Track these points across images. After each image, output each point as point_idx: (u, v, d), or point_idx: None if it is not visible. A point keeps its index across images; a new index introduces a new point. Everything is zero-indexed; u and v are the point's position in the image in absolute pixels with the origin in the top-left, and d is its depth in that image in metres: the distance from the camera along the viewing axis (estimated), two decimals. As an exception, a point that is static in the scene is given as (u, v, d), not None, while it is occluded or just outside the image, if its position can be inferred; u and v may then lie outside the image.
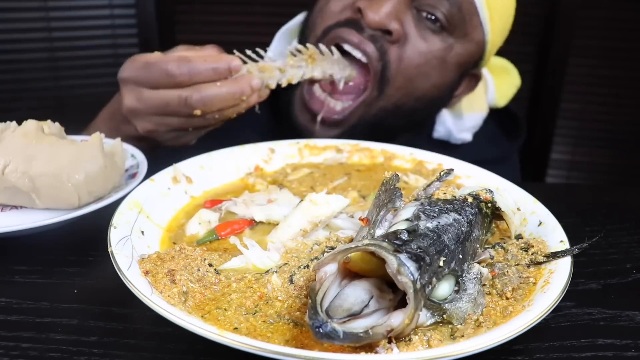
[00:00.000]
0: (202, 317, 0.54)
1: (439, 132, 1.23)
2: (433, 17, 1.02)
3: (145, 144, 0.99)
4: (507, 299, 0.57)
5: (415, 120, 1.13)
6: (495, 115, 1.29)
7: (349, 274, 0.52)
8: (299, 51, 0.98)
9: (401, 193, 0.62)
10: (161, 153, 0.96)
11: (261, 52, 0.96)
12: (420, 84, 1.05)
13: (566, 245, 0.63)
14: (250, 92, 0.89)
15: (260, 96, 0.92)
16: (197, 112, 0.88)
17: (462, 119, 1.22)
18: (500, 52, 1.22)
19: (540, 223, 0.69)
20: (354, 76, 1.03)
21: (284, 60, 0.97)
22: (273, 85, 0.95)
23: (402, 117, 1.09)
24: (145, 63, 0.88)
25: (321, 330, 0.45)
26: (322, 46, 0.99)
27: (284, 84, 0.97)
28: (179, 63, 0.86)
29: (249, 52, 0.94)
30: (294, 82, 0.98)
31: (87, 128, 1.09)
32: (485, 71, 1.25)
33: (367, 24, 1.01)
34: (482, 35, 1.07)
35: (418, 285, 0.48)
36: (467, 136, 1.22)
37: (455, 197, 0.64)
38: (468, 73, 1.15)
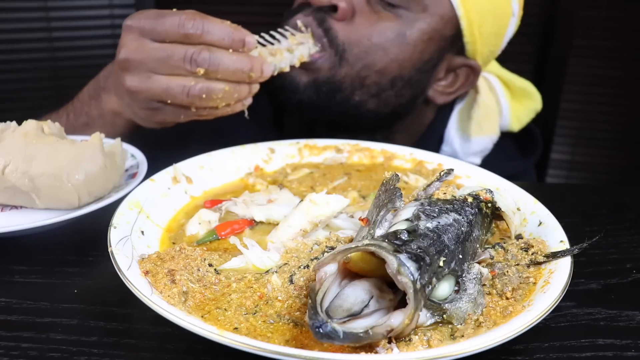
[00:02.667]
0: (202, 317, 0.54)
1: (445, 152, 1.20)
2: None
3: (119, 120, 0.97)
4: (507, 299, 0.57)
5: (384, 102, 1.07)
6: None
7: (349, 274, 0.52)
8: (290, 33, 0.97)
9: (401, 193, 0.62)
10: (161, 153, 0.95)
11: (273, 35, 0.93)
12: (378, 57, 1.03)
13: (566, 245, 0.63)
14: (260, 74, 0.85)
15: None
16: (201, 70, 0.81)
17: (470, 142, 1.18)
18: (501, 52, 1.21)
19: (540, 223, 0.69)
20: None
21: (287, 41, 0.95)
22: (287, 68, 0.93)
23: (369, 93, 1.06)
24: (157, 13, 0.84)
25: (321, 330, 0.45)
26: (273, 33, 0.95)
27: (297, 64, 0.95)
28: (194, 17, 0.82)
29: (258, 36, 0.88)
30: (305, 59, 0.97)
31: (72, 102, 1.07)
32: (501, 95, 1.21)
33: (312, 2, 1.01)
34: (450, 9, 1.04)
35: (418, 285, 0.48)
36: (474, 160, 1.18)
37: (455, 197, 0.64)
38: (447, 58, 1.09)
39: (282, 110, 1.11)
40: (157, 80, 0.84)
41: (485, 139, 1.18)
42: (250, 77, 0.85)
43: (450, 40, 1.07)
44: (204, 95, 0.83)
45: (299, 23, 1.00)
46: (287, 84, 1.03)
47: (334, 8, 1.01)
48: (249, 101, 0.89)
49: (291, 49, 0.95)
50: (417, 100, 1.14)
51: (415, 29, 1.03)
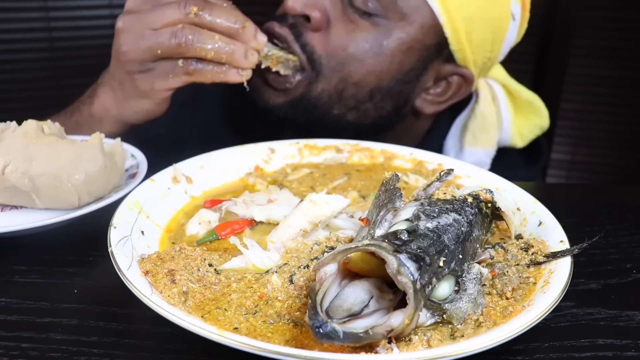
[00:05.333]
0: (202, 317, 0.54)
1: None
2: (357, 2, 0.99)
3: (107, 119, 0.98)
4: (507, 299, 0.56)
5: (363, 113, 1.06)
6: None
7: (349, 274, 0.52)
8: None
9: (401, 193, 0.62)
10: (161, 153, 0.95)
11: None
12: (354, 69, 1.01)
13: (566, 245, 0.63)
14: (254, 35, 0.89)
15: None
16: (194, 9, 0.86)
17: (463, 153, 1.14)
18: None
19: (540, 223, 0.69)
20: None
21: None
22: (273, 63, 0.96)
23: (347, 106, 1.04)
24: None
25: (321, 331, 0.45)
26: None
27: (280, 65, 0.98)
28: None
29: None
30: (293, 59, 0.99)
31: (75, 102, 1.08)
32: (504, 107, 1.16)
33: (286, 11, 1.00)
34: (431, 17, 0.99)
35: (418, 286, 0.48)
36: None
37: (455, 197, 0.64)
38: (434, 67, 1.06)
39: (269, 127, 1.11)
40: (148, 35, 0.87)
41: (478, 151, 1.14)
42: (243, 34, 0.87)
43: (435, 49, 1.03)
44: (190, 37, 0.85)
45: (277, 30, 1.00)
46: (263, 105, 1.03)
47: (308, 18, 0.99)
48: (247, 74, 0.90)
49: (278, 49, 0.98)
50: (402, 111, 1.10)
51: (392, 38, 1.00)
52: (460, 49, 1.04)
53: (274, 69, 0.98)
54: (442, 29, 1.01)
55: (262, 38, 0.91)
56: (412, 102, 1.10)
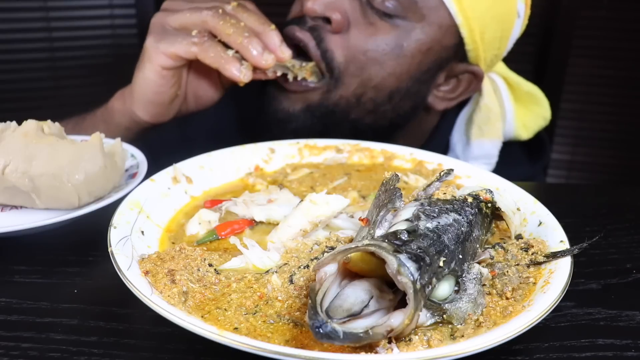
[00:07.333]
0: (202, 317, 0.54)
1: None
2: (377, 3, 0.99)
3: (118, 117, 1.02)
4: (507, 299, 0.57)
5: (382, 115, 1.07)
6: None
7: (349, 274, 0.52)
8: None
9: (401, 193, 0.62)
10: (161, 153, 0.95)
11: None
12: (374, 72, 1.01)
13: (566, 245, 0.63)
14: (280, 43, 0.92)
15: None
16: (234, 3, 0.92)
17: (470, 146, 1.15)
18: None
19: (540, 223, 0.69)
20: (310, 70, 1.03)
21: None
22: (292, 73, 0.99)
23: (365, 110, 1.04)
24: None
25: (321, 331, 0.45)
26: None
27: (300, 73, 0.99)
28: None
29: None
30: (312, 69, 1.00)
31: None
32: (506, 99, 1.18)
33: (306, 13, 1.00)
34: (448, 18, 1.00)
35: (418, 286, 0.48)
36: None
37: (455, 197, 0.64)
38: (449, 66, 1.07)
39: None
40: (179, 11, 0.93)
41: (485, 142, 1.15)
42: (267, 36, 0.91)
43: (453, 50, 1.05)
44: (220, 11, 0.90)
45: (298, 34, 1.00)
46: (281, 114, 1.04)
47: (327, 20, 0.99)
48: (247, 75, 0.91)
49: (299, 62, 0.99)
50: (418, 109, 1.11)
51: (412, 39, 1.00)
52: (474, 48, 1.05)
53: (309, 80, 1.00)
54: (459, 29, 1.02)
55: (287, 50, 0.93)
56: (426, 100, 1.11)
